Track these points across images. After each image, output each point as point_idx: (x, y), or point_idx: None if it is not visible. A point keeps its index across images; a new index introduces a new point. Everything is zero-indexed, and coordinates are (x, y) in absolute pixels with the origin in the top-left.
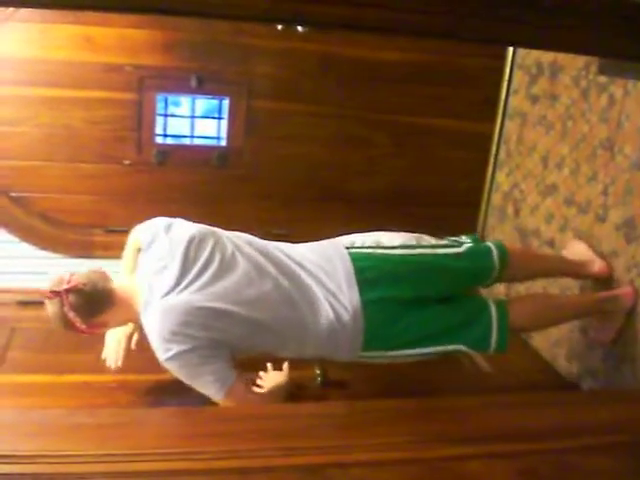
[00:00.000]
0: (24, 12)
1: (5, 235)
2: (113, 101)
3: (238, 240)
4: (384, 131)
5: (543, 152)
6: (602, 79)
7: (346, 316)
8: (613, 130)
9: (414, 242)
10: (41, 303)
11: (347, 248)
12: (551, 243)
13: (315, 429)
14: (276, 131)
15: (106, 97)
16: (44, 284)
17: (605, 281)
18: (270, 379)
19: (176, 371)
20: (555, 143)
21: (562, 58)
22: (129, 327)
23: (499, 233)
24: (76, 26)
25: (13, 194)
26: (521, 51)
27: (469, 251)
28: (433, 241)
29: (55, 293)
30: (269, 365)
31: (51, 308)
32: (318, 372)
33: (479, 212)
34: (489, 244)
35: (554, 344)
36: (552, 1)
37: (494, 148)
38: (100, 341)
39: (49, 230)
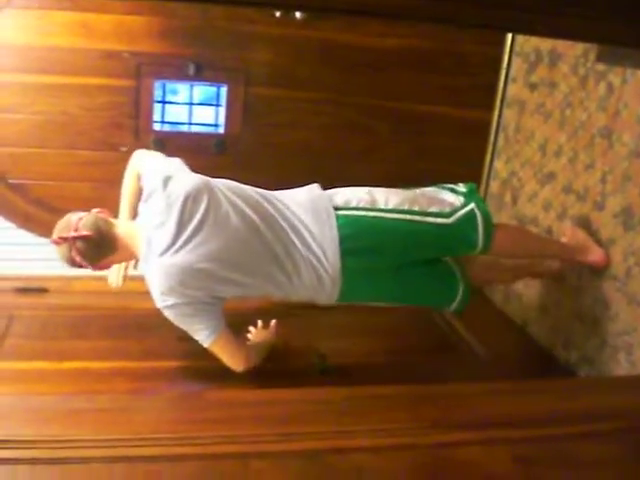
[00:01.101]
0: None
1: (3, 222)
2: (110, 88)
3: (233, 195)
4: (382, 118)
5: (541, 140)
6: (600, 67)
7: (326, 278)
8: (611, 118)
9: (406, 206)
10: (39, 290)
11: (339, 209)
12: (549, 231)
13: (314, 415)
14: (274, 118)
15: (103, 84)
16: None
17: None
18: (258, 335)
19: (171, 318)
20: (553, 131)
21: (561, 46)
22: None
23: (497, 221)
24: (73, 13)
25: (11, 181)
26: (520, 39)
27: (457, 223)
28: (425, 204)
29: (63, 239)
30: (259, 322)
31: (60, 251)
32: (317, 359)
33: None
34: (478, 218)
35: (551, 332)
36: None
37: (492, 136)
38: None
39: (47, 217)
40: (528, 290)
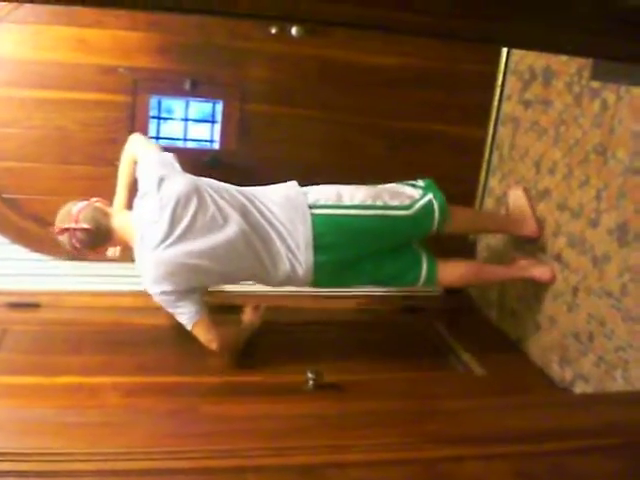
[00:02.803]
0: (18, 13)
1: None
2: (106, 103)
3: (219, 197)
4: (378, 135)
5: (536, 157)
6: (595, 84)
7: (300, 270)
8: (606, 135)
9: (370, 201)
10: (32, 305)
11: (311, 207)
12: (543, 249)
13: (310, 429)
14: (269, 135)
15: (99, 99)
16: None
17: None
18: (247, 315)
19: (158, 301)
20: (548, 148)
21: (555, 64)
22: None
23: (492, 237)
24: (70, 28)
25: (5, 195)
26: (514, 57)
27: (416, 214)
28: (387, 198)
29: (64, 230)
30: (247, 309)
31: (62, 239)
32: (311, 375)
33: None
34: (435, 207)
35: (546, 349)
36: (549, 2)
37: (487, 153)
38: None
39: (41, 232)
40: (523, 307)
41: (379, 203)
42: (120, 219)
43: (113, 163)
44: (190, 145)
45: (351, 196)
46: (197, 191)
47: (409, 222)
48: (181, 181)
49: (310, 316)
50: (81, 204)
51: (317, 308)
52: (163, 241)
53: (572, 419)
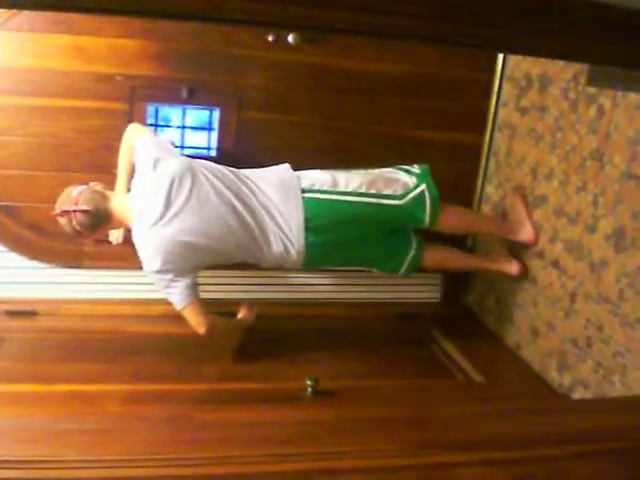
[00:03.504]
0: (15, 21)
1: None
2: (103, 111)
3: (213, 177)
4: (375, 142)
5: (532, 163)
6: (591, 90)
7: (292, 250)
8: (602, 141)
9: (364, 189)
10: (29, 313)
11: (305, 191)
12: (541, 255)
13: (306, 436)
14: (266, 142)
15: (97, 107)
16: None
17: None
18: (242, 310)
19: (153, 279)
20: (544, 154)
21: (551, 70)
22: None
23: (490, 243)
24: (67, 36)
25: (2, 203)
26: (510, 63)
27: (408, 204)
28: (382, 186)
29: (64, 212)
30: (242, 306)
31: (62, 222)
32: (309, 382)
33: None
34: (427, 199)
35: (545, 356)
36: (543, 7)
37: (484, 160)
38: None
39: (38, 240)
40: (520, 313)
41: (372, 191)
42: (119, 200)
43: (110, 170)
44: (187, 152)
45: (346, 182)
46: (191, 171)
47: (400, 211)
48: (176, 161)
49: (306, 323)
50: (81, 187)
51: (313, 315)
52: (160, 219)
53: (570, 425)
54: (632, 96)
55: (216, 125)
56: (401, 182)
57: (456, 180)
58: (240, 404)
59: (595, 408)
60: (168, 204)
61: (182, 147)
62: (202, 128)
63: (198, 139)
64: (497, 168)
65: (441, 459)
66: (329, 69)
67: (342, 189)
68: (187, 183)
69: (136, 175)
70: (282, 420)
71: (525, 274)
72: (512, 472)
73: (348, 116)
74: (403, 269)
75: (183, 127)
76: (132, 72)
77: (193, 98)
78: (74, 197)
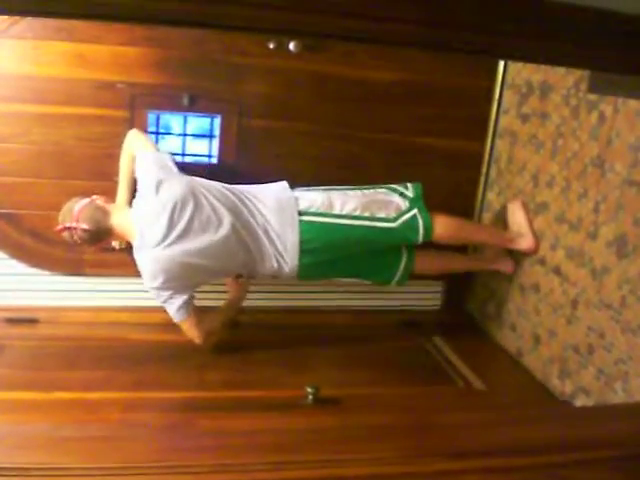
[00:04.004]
0: (16, 28)
1: None
2: (105, 118)
3: (214, 199)
4: (376, 150)
5: (533, 170)
6: (592, 97)
7: (286, 268)
8: (603, 147)
9: (358, 212)
10: (30, 321)
11: (302, 213)
12: (542, 261)
13: (307, 443)
14: (267, 149)
15: (98, 114)
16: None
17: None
18: (230, 286)
19: (152, 294)
20: (545, 161)
21: (552, 77)
22: None
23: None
24: (68, 43)
25: (3, 211)
26: (511, 71)
27: (400, 227)
28: (375, 210)
29: (66, 228)
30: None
31: (64, 235)
32: (310, 390)
33: None
34: (419, 222)
35: (546, 363)
36: (544, 14)
37: (485, 167)
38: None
39: (39, 247)
40: (522, 320)
41: (366, 214)
42: (120, 217)
43: (112, 178)
44: (188, 160)
45: (342, 205)
46: (193, 194)
47: (393, 233)
48: (178, 185)
49: (307, 331)
50: (82, 202)
51: (315, 323)
52: (162, 241)
53: (572, 432)
54: (633, 103)
55: (217, 132)
56: (394, 204)
57: (457, 187)
58: (241, 412)
59: (597, 415)
60: (170, 227)
61: (183, 154)
62: (203, 136)
63: (199, 147)
64: (498, 175)
65: (443, 467)
66: (330, 77)
67: (337, 212)
68: (189, 207)
69: (138, 194)
70: (283, 428)
71: (526, 280)
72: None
73: (349, 123)
74: (395, 280)
75: (184, 135)
76: (133, 79)
77: (194, 105)
78: (75, 214)
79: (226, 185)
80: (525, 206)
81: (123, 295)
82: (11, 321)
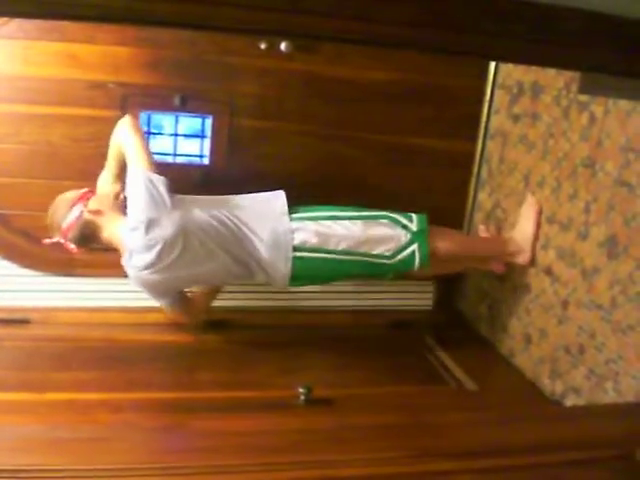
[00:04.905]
0: (7, 29)
1: None
2: (96, 118)
3: (205, 237)
4: (367, 150)
5: (524, 171)
6: (583, 98)
7: (277, 285)
8: (594, 148)
9: (354, 249)
10: (22, 321)
11: (296, 249)
12: (533, 262)
13: (301, 444)
14: (259, 150)
15: (89, 114)
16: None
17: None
18: None
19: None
20: (536, 162)
21: (543, 78)
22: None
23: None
24: (60, 43)
25: None
26: (502, 71)
27: (396, 263)
28: (373, 245)
29: (54, 243)
30: None
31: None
32: (302, 390)
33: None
34: (416, 258)
35: (537, 363)
36: (536, 16)
37: (476, 167)
38: None
39: (30, 248)
40: (513, 320)
41: (362, 250)
42: (110, 231)
43: None
44: (180, 160)
45: (337, 243)
46: (184, 234)
47: (386, 268)
48: (169, 226)
49: (300, 331)
50: (71, 216)
51: (306, 323)
52: (149, 268)
53: (563, 432)
54: (624, 104)
55: (209, 133)
56: (395, 240)
57: (448, 187)
58: (234, 412)
59: (587, 415)
60: (159, 260)
61: (174, 155)
62: (194, 136)
63: (190, 147)
64: (489, 175)
65: (435, 467)
66: (322, 77)
67: (332, 248)
68: (178, 247)
69: (128, 224)
70: (276, 429)
71: (517, 280)
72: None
73: (341, 124)
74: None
75: (175, 135)
76: (125, 80)
77: (186, 106)
78: (63, 230)
79: (220, 215)
80: (539, 214)
81: (115, 296)
82: (2, 322)
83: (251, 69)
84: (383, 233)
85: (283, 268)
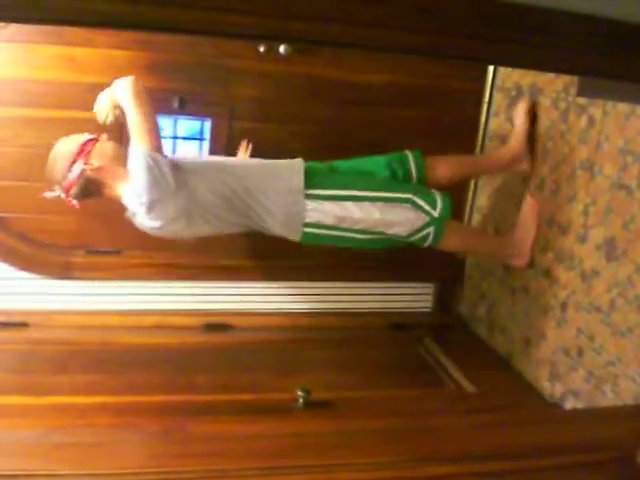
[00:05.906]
0: (7, 32)
1: None
2: (96, 122)
3: (210, 215)
4: (366, 153)
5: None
6: (581, 101)
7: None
8: (593, 151)
9: (369, 229)
10: (20, 325)
11: (308, 225)
12: (532, 264)
13: (300, 448)
14: (258, 153)
15: (89, 117)
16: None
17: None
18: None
19: None
20: (535, 164)
21: (541, 81)
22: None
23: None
24: (60, 46)
25: None
26: (501, 74)
27: (410, 240)
28: (389, 226)
29: (56, 196)
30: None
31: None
32: (301, 393)
33: None
34: (430, 238)
35: (536, 365)
36: (534, 20)
37: None
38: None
39: (28, 251)
40: (512, 323)
41: (377, 230)
42: (113, 188)
43: None
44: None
45: (352, 223)
46: (187, 216)
47: (397, 243)
48: (171, 209)
49: (299, 334)
50: (72, 175)
51: (305, 325)
52: (153, 230)
53: (562, 435)
54: (622, 106)
55: (207, 135)
56: (412, 221)
57: (448, 190)
58: (232, 415)
59: (586, 418)
60: (160, 229)
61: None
62: (193, 138)
63: (189, 149)
64: (488, 178)
65: (434, 471)
66: (320, 80)
67: (347, 226)
68: (181, 222)
69: (130, 194)
70: (275, 433)
71: (516, 282)
72: None
73: (339, 126)
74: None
75: (175, 137)
76: None
77: (184, 108)
78: (65, 187)
79: (228, 190)
80: (539, 217)
81: (113, 299)
82: (0, 325)
83: (250, 72)
84: (403, 218)
85: (295, 237)
